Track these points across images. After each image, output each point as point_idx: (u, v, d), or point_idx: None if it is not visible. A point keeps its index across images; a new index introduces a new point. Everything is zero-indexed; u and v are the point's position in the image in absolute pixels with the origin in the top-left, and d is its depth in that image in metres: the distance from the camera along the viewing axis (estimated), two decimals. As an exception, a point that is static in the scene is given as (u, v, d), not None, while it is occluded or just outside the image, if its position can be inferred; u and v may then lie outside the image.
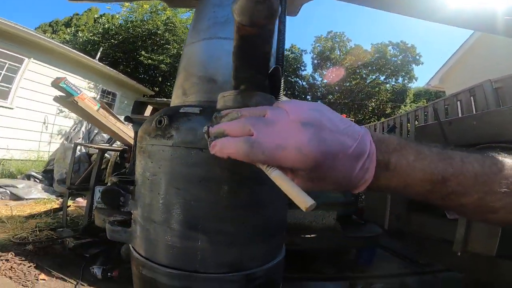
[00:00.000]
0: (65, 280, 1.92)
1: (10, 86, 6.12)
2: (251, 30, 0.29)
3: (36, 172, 4.83)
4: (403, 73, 18.60)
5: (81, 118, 4.04)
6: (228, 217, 0.48)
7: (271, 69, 0.41)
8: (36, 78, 6.42)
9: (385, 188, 0.35)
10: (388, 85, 19.21)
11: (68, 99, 1.68)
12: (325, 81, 21.00)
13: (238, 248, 0.50)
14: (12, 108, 6.09)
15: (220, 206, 0.48)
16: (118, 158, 3.06)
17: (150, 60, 12.04)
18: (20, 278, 1.86)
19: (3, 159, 5.64)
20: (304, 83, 21.83)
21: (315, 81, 21.59)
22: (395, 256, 2.82)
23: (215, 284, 0.50)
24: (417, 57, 18.18)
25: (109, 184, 0.63)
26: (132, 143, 2.28)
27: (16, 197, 4.02)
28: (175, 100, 0.61)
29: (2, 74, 5.95)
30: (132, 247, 0.58)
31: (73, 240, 2.45)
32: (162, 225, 0.50)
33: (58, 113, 7.04)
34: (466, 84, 4.06)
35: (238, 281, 0.50)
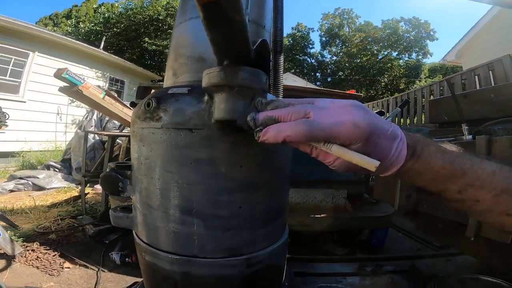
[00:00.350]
0: (88, 267, 2.00)
1: (19, 80, 6.27)
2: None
3: (55, 162, 4.97)
4: (417, 49, 18.35)
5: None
6: (222, 201, 0.47)
7: (257, 42, 0.39)
8: (43, 71, 6.52)
9: (409, 172, 0.38)
10: (401, 61, 19.03)
11: (72, 89, 1.70)
12: (334, 58, 20.60)
13: (236, 232, 0.49)
14: (25, 102, 6.26)
15: (214, 189, 0.46)
16: (128, 144, 3.11)
17: (154, 46, 11.99)
18: (46, 267, 1.95)
19: (23, 151, 5.87)
20: (312, 60, 21.51)
21: (324, 59, 21.35)
22: (408, 237, 2.75)
23: (214, 269, 0.49)
24: (431, 33, 17.87)
25: (107, 170, 0.63)
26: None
27: (38, 188, 4.17)
28: (167, 81, 0.59)
29: (10, 69, 6.08)
30: (135, 233, 0.59)
31: (92, 227, 2.52)
32: (159, 210, 0.50)
33: (70, 103, 7.19)
34: (483, 59, 3.98)
35: (237, 266, 0.50)
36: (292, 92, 2.29)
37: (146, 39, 12.11)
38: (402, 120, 6.58)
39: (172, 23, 12.48)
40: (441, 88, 4.86)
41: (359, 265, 1.95)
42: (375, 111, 2.37)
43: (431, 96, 4.97)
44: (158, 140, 0.47)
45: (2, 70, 5.96)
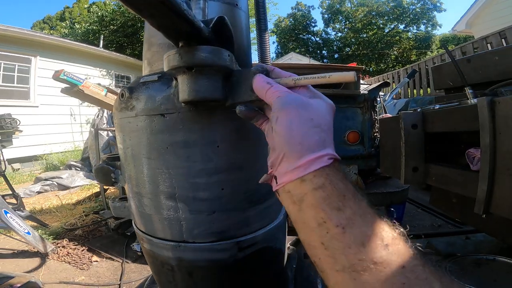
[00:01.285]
0: (113, 260, 2.11)
1: (28, 86, 6.42)
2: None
3: (75, 161, 5.19)
4: (425, 21, 18.09)
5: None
6: (202, 183, 0.47)
7: (214, 19, 0.38)
8: (48, 74, 6.61)
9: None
10: (409, 34, 18.86)
11: (73, 89, 1.74)
12: (339, 34, 20.14)
13: (221, 215, 0.48)
14: (37, 106, 6.46)
15: (193, 172, 0.46)
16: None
17: (153, 39, 11.89)
18: (77, 262, 2.07)
19: (45, 154, 6.15)
20: (317, 39, 21.05)
21: (328, 36, 21.01)
22: (428, 212, 2.67)
23: (205, 254, 0.50)
24: (438, 4, 17.58)
25: (100, 162, 0.65)
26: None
27: (63, 187, 4.40)
28: (144, 72, 0.59)
29: (16, 76, 6.21)
30: (133, 222, 0.60)
31: (113, 220, 2.61)
32: (146, 197, 0.51)
33: (81, 104, 7.37)
34: (495, 28, 3.94)
35: (228, 250, 0.50)
36: (292, 71, 2.21)
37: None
38: (415, 91, 6.43)
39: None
40: (454, 56, 4.69)
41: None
42: (379, 83, 2.28)
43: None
44: (134, 128, 0.48)
45: (9, 77, 6.08)
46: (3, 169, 2.72)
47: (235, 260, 0.51)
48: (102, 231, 2.63)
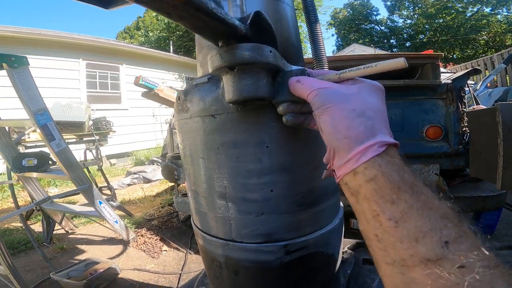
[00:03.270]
0: (179, 250, 2.28)
1: (119, 91, 7.57)
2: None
3: (156, 157, 5.86)
4: None
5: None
6: (252, 184, 0.46)
7: (251, 15, 0.36)
8: (133, 80, 7.69)
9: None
10: (499, 16, 16.01)
11: (150, 93, 1.97)
12: (408, 21, 17.95)
13: (269, 216, 0.47)
14: (127, 109, 7.58)
15: (243, 172, 0.46)
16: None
17: (217, 40, 12.53)
18: (150, 251, 2.28)
19: (134, 150, 7.19)
20: (382, 28, 19.13)
21: (395, 24, 18.87)
22: None
23: (251, 254, 0.49)
24: None
25: (166, 160, 0.71)
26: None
27: (147, 180, 5.01)
28: (198, 74, 0.62)
29: (109, 83, 7.36)
30: (192, 217, 0.64)
31: (183, 212, 2.77)
32: (202, 195, 0.53)
33: (160, 105, 8.33)
34: None
35: (274, 252, 0.48)
36: (353, 62, 2.03)
37: (207, 34, 12.78)
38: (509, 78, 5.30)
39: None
40: None
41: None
42: (466, 70, 1.92)
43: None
44: (190, 129, 0.50)
45: (104, 85, 7.27)
46: (101, 165, 3.15)
47: (280, 263, 0.49)
48: (174, 222, 2.85)
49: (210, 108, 0.46)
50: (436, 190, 1.79)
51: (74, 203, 3.45)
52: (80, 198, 3.74)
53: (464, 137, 1.88)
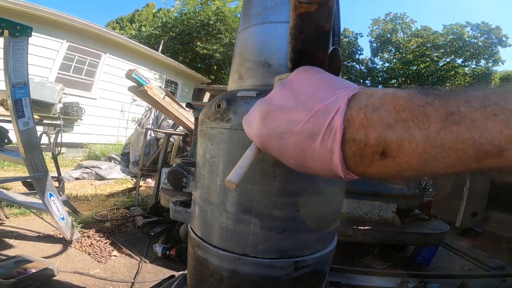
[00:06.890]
0: (132, 257, 2.13)
1: (92, 79, 7.13)
2: (309, 8, 0.28)
3: (116, 155, 5.49)
4: (486, 56, 16.50)
5: (150, 106, 4.49)
6: (281, 202, 0.48)
7: (330, 50, 0.39)
8: (111, 71, 7.36)
9: (388, 176, 0.26)
10: (467, 68, 17.35)
11: (139, 89, 1.90)
12: (387, 64, 19.60)
13: (289, 234, 0.49)
14: (96, 99, 7.10)
15: (275, 191, 0.48)
16: (181, 142, 3.31)
17: (205, 50, 12.63)
18: (96, 254, 2.08)
19: (90, 143, 6.65)
20: (362, 67, 20.67)
21: (374, 65, 20.44)
22: (459, 256, 2.63)
23: (262, 269, 0.50)
24: (504, 38, 15.94)
25: (173, 165, 0.69)
26: (193, 128, 2.44)
27: (99, 177, 4.62)
28: (232, 84, 0.62)
29: (85, 69, 6.95)
30: (191, 227, 0.62)
31: (141, 218, 2.68)
32: (219, 206, 0.52)
33: (132, 102, 7.97)
34: None
35: (285, 268, 0.50)
36: None
37: (198, 43, 12.82)
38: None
39: (221, 28, 13.13)
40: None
41: (401, 281, 1.83)
42: None
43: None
44: (226, 140, 0.51)
45: (79, 70, 6.83)
46: (57, 152, 2.89)
47: (288, 279, 0.51)
48: (129, 227, 2.67)
49: (256, 124, 0.47)
50: (391, 225, 2.02)
51: (7, 189, 3.01)
52: (14, 185, 3.32)
53: (421, 183, 2.14)
